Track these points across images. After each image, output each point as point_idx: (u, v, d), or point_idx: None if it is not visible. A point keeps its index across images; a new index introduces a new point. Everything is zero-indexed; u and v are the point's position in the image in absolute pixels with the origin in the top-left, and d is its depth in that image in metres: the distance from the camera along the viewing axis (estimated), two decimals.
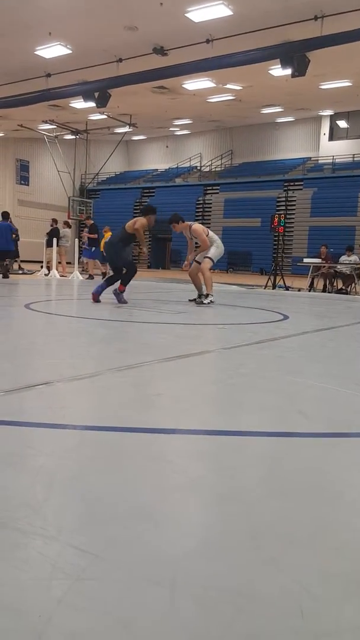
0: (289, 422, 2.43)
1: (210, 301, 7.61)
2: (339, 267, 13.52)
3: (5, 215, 12.76)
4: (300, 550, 1.31)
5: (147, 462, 1.83)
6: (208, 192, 30.50)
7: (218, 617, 1.05)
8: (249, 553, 1.29)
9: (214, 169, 32.58)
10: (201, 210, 29.71)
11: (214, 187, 30.54)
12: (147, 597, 1.10)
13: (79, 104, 21.64)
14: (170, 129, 31.77)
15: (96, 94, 18.16)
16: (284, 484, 1.72)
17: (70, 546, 1.26)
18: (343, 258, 13.79)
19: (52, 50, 17.35)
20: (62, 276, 14.99)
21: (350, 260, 13.54)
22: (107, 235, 19.48)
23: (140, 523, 1.40)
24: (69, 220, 20.13)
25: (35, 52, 17.55)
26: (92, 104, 18.77)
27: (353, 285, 13.30)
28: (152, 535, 1.35)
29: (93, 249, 14.57)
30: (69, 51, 17.41)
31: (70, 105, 23.27)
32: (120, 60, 17.61)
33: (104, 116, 24.79)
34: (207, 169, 32.81)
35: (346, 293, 13.23)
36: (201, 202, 30.00)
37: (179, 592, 1.12)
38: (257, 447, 2.10)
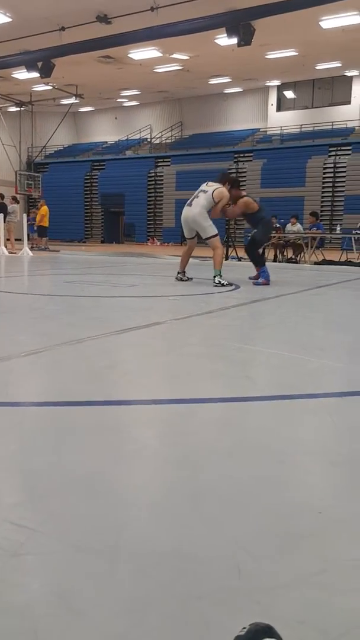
0: (238, 387, 2.44)
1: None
2: (287, 236, 13.66)
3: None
4: (239, 509, 1.32)
5: (93, 435, 1.80)
6: (159, 164, 30.11)
7: (158, 581, 1.04)
8: (190, 515, 1.28)
9: (164, 141, 32.16)
10: (153, 183, 29.38)
11: (165, 160, 30.14)
12: (87, 567, 1.08)
13: (21, 74, 20.86)
14: (118, 100, 31.11)
15: (39, 64, 17.54)
16: (230, 446, 1.73)
17: (7, 522, 1.23)
18: (288, 227, 13.96)
19: None
20: (12, 253, 14.66)
21: (294, 230, 13.70)
22: (43, 209, 18.73)
23: (82, 495, 1.38)
24: (17, 196, 19.59)
25: None
26: (35, 75, 18.12)
27: (302, 254, 13.46)
28: (94, 506, 1.33)
29: None
30: (9, 19, 16.74)
31: (12, 75, 22.45)
32: (63, 28, 17.03)
33: (48, 87, 24.00)
34: (158, 141, 32.36)
35: (296, 262, 13.39)
36: (153, 174, 29.64)
37: (119, 559, 1.11)
38: (206, 413, 2.10)
